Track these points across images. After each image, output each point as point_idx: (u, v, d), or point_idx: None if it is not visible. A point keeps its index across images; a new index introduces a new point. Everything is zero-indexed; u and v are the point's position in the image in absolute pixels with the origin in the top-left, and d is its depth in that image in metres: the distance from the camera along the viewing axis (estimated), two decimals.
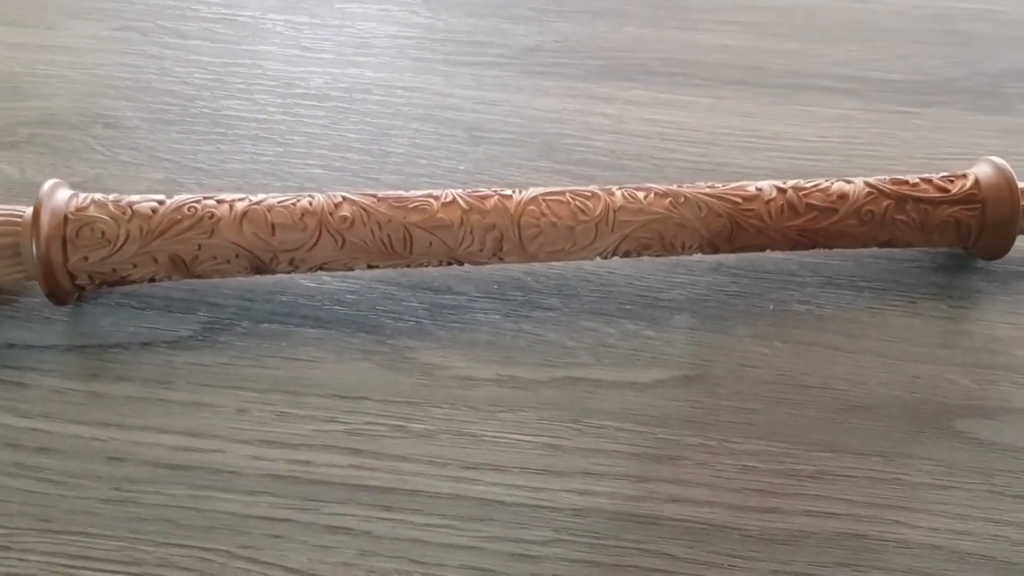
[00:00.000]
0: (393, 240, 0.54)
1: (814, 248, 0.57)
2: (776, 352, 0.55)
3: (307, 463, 0.50)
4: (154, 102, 0.69)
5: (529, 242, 0.55)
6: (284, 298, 0.57)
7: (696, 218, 0.55)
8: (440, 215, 0.55)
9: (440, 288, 0.58)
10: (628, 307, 0.57)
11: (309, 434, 0.51)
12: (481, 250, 0.55)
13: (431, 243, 0.55)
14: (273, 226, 0.54)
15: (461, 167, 0.65)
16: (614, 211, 0.55)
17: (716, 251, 0.57)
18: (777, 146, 0.67)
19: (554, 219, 0.55)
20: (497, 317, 0.57)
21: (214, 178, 0.64)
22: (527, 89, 0.71)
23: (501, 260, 0.56)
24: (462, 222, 0.55)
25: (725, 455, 0.51)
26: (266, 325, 0.56)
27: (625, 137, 0.68)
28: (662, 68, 0.73)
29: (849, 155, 0.67)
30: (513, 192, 0.56)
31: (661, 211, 0.55)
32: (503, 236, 0.55)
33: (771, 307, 0.58)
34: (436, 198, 0.55)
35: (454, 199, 0.55)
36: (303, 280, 0.58)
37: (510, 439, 0.51)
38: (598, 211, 0.55)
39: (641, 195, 0.56)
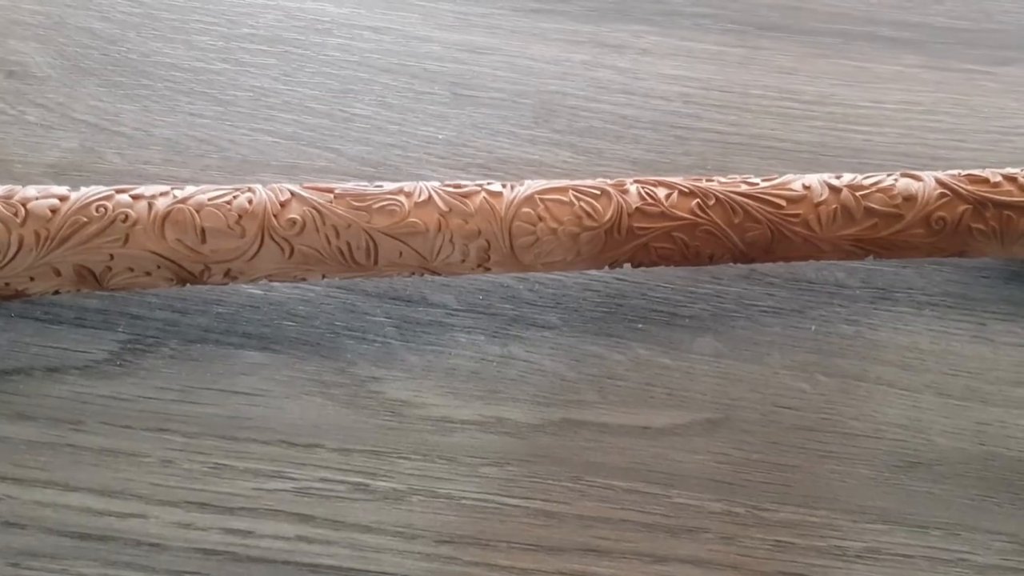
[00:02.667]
0: (353, 249, 0.44)
1: (868, 257, 0.47)
2: (818, 388, 0.46)
3: (246, 534, 0.42)
4: (69, 44, 0.58)
5: (523, 252, 0.45)
6: (221, 310, 0.48)
7: (729, 224, 0.46)
8: (413, 219, 0.44)
9: (413, 298, 0.49)
10: (640, 326, 0.48)
11: (249, 494, 0.43)
12: (463, 261, 0.45)
13: (401, 253, 0.45)
14: (203, 231, 0.44)
15: (441, 136, 0.55)
16: (628, 215, 0.45)
17: (750, 262, 0.47)
18: (822, 113, 0.57)
19: (554, 224, 0.45)
20: (482, 338, 0.47)
21: (139, 147, 0.53)
22: (522, 32, 0.60)
23: (487, 271, 0.46)
24: (440, 227, 0.45)
25: (756, 526, 0.42)
26: (199, 346, 0.47)
27: (639, 99, 0.57)
28: (685, 7, 0.62)
29: (908, 127, 0.56)
30: (504, 188, 0.46)
31: (686, 216, 0.45)
32: (490, 245, 0.45)
33: (813, 328, 0.48)
34: (408, 195, 0.45)
35: (430, 197, 0.45)
36: (246, 286, 0.48)
37: (495, 503, 0.43)
38: (608, 215, 0.45)
39: (662, 193, 0.46)
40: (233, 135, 0.54)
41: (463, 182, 0.46)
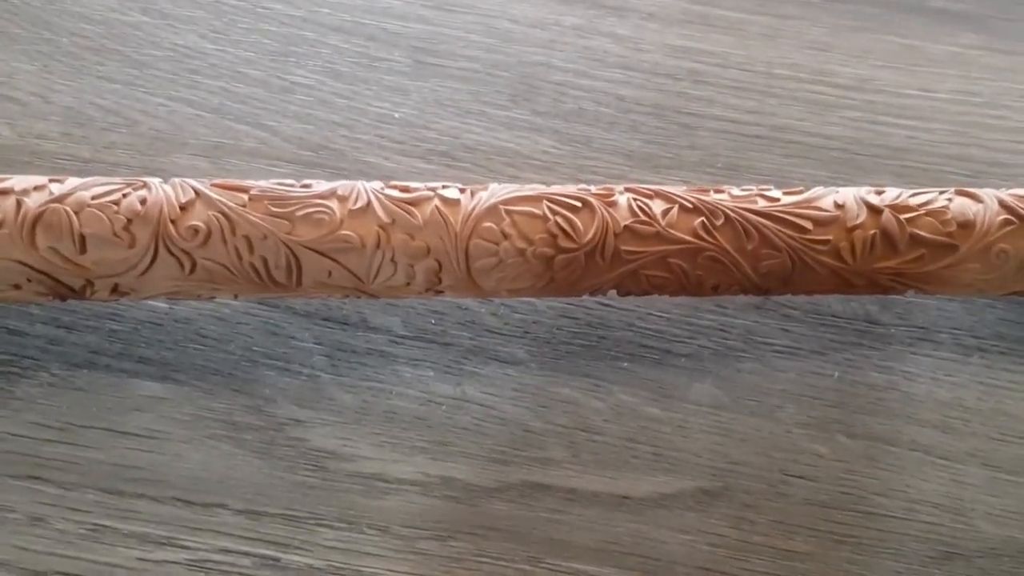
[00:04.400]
0: (270, 266, 0.36)
1: (908, 292, 0.39)
2: (839, 453, 0.39)
3: None
4: None
5: (482, 276, 0.37)
6: (116, 327, 0.40)
7: (740, 251, 0.37)
8: (346, 231, 0.36)
9: (350, 320, 0.41)
10: (625, 365, 0.40)
11: (132, 565, 0.35)
12: (408, 284, 0.37)
13: (330, 272, 0.37)
14: (82, 238, 0.36)
15: (397, 114, 0.46)
16: (615, 235, 0.37)
17: (765, 295, 0.39)
18: (859, 102, 0.48)
19: (522, 244, 0.37)
20: (431, 373, 0.40)
21: (34, 117, 0.45)
22: None
23: (439, 295, 0.38)
24: (379, 243, 0.36)
25: None
26: (85, 372, 0.39)
27: (641, 76, 0.48)
28: None
29: (963, 123, 0.47)
30: (461, 195, 0.37)
31: (687, 238, 0.37)
32: (442, 266, 0.37)
33: (836, 375, 0.40)
34: (342, 200, 0.37)
35: (369, 204, 0.37)
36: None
37: None
38: (590, 234, 0.37)
39: (658, 208, 0.38)
40: (147, 105, 0.46)
41: (412, 185, 0.38)
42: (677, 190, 0.38)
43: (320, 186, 0.38)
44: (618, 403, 0.39)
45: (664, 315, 0.41)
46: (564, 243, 0.37)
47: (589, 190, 0.38)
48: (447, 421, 0.39)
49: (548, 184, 0.43)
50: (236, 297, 0.39)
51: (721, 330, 0.41)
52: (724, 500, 0.38)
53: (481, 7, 0.50)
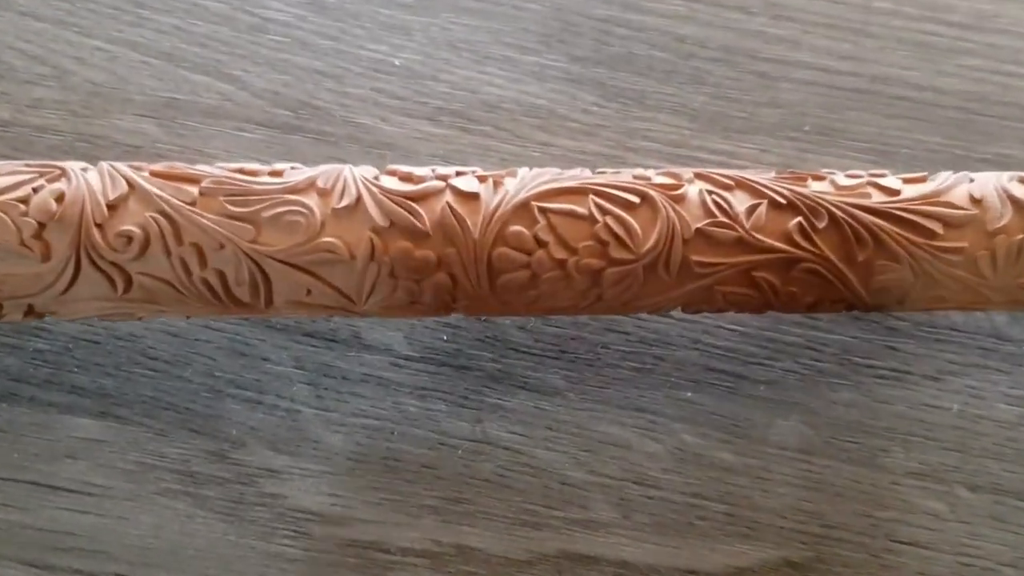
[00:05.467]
0: (230, 283, 0.28)
1: None
2: (959, 511, 0.31)
3: None
4: None
5: (509, 294, 0.29)
6: (41, 345, 0.32)
7: (848, 260, 0.29)
8: (329, 238, 0.28)
9: (340, 336, 0.33)
10: (689, 395, 0.32)
11: None
12: (412, 303, 0.29)
13: (309, 290, 0.29)
14: None
15: (398, 61, 0.37)
16: (684, 242, 0.29)
17: (876, 312, 0.31)
18: (980, 45, 0.38)
19: (562, 253, 0.29)
20: (442, 407, 0.32)
21: None
22: None
23: (452, 312, 0.30)
24: (373, 253, 0.28)
25: None
26: (3, 407, 0.31)
27: (707, 10, 0.39)
28: None
29: None
30: (482, 186, 0.29)
31: (780, 245, 0.29)
32: (456, 282, 0.29)
33: (955, 408, 0.32)
34: (323, 194, 0.29)
35: (359, 200, 0.29)
36: None
37: None
38: (652, 240, 0.29)
39: (741, 205, 0.29)
40: (81, 50, 0.37)
41: (416, 172, 0.29)
42: (764, 178, 0.30)
43: (295, 174, 0.29)
44: (680, 446, 0.31)
45: (738, 328, 0.33)
46: (617, 252, 0.28)
47: (649, 180, 0.30)
48: (463, 471, 0.31)
49: (589, 158, 0.35)
50: (188, 318, 0.30)
51: (811, 348, 0.33)
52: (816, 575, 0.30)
53: None
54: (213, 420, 0.31)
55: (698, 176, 0.30)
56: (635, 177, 0.30)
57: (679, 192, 0.29)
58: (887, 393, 0.32)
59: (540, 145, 0.36)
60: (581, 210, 0.29)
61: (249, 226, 0.28)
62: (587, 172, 0.30)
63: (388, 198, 0.28)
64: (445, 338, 0.33)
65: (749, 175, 0.30)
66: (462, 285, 0.29)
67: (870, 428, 0.32)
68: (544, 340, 0.33)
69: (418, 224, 0.28)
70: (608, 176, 0.30)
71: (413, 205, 0.28)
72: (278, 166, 0.30)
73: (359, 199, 0.28)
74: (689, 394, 0.32)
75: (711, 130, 0.37)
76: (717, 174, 0.30)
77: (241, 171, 0.29)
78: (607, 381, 0.32)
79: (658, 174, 0.30)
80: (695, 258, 0.29)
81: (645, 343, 0.33)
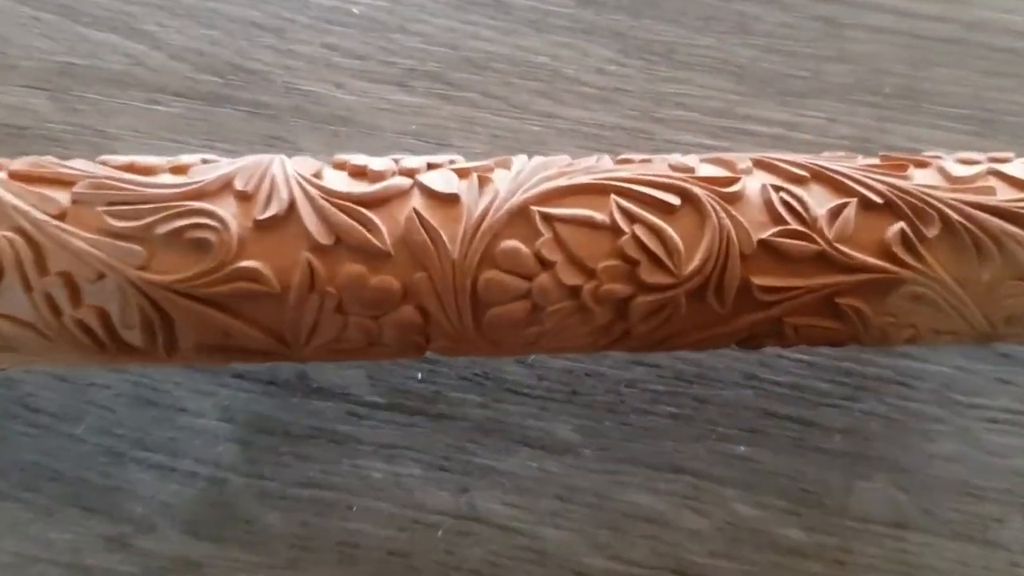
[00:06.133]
0: (116, 324, 0.21)
1: None
2: None
3: None
4: None
5: (501, 332, 0.22)
6: None
7: (967, 281, 0.22)
8: (249, 262, 0.21)
9: (279, 376, 0.25)
10: (742, 451, 0.25)
11: None
12: (369, 345, 0.22)
13: (227, 332, 0.21)
14: None
15: (357, 8, 0.29)
16: (743, 258, 0.21)
17: (996, 342, 0.23)
18: None
19: (575, 278, 0.21)
20: (416, 471, 0.25)
21: None
22: None
23: (423, 354, 0.23)
24: (312, 282, 0.21)
25: None
26: None
27: None
28: None
29: None
30: (462, 182, 0.21)
31: (876, 262, 0.21)
32: (428, 318, 0.21)
33: None
34: (243, 199, 0.21)
35: (292, 206, 0.21)
36: None
37: None
38: (698, 258, 0.21)
39: (820, 203, 0.21)
40: None
41: (373, 165, 0.22)
42: (850, 166, 0.22)
43: (204, 172, 0.21)
44: (732, 520, 0.24)
45: (804, 358, 0.26)
46: (650, 275, 0.21)
47: (692, 171, 0.22)
48: (445, 558, 0.24)
49: (606, 133, 0.27)
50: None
51: (900, 383, 0.26)
52: None
53: None
54: (112, 494, 0.24)
55: (759, 165, 0.23)
56: (672, 168, 0.22)
57: (734, 188, 0.22)
58: (1001, 443, 0.25)
59: (542, 117, 0.28)
60: (600, 217, 0.21)
61: (138, 247, 0.20)
62: (606, 161, 0.23)
63: (333, 204, 0.21)
64: (420, 377, 0.25)
65: (829, 162, 0.22)
66: (437, 321, 0.21)
67: (979, 491, 0.25)
68: (550, 378, 0.25)
69: (374, 240, 0.21)
70: (636, 167, 0.22)
71: (367, 213, 0.21)
72: (183, 160, 0.22)
73: (292, 206, 0.21)
74: (742, 448, 0.25)
75: (763, 94, 0.29)
76: (785, 161, 0.22)
77: (131, 168, 0.22)
78: (633, 433, 0.25)
79: (703, 161, 0.23)
80: (758, 281, 0.21)
81: (682, 380, 0.25)
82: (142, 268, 0.21)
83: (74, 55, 0.29)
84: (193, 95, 0.28)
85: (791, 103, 0.29)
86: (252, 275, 0.21)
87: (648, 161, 0.23)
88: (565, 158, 0.23)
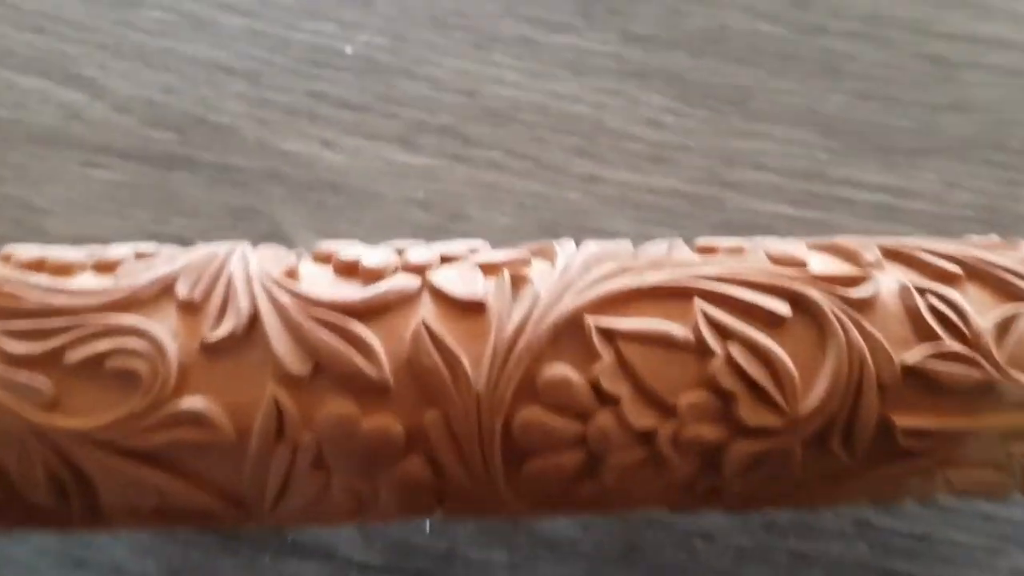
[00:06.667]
0: (17, 482, 0.15)
1: None
2: None
3: None
4: None
5: (544, 489, 0.16)
6: None
7: None
8: (195, 400, 0.15)
9: (293, 540, 0.20)
10: None
11: None
12: (362, 508, 0.16)
13: (163, 492, 0.15)
14: None
15: (350, 48, 0.24)
16: (881, 390, 0.15)
17: None
18: None
19: (646, 419, 0.15)
20: None
21: None
22: None
23: (434, 515, 0.17)
24: (281, 428, 0.15)
25: None
26: None
27: None
28: None
29: None
30: (488, 285, 0.15)
31: None
32: (442, 473, 0.16)
33: None
34: (188, 311, 0.15)
35: (254, 319, 0.15)
36: None
37: None
38: (818, 393, 0.16)
39: (982, 314, 0.16)
40: None
41: (367, 256, 0.16)
42: (1015, 258, 0.16)
43: (136, 272, 0.16)
44: None
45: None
46: (752, 414, 0.16)
47: (803, 265, 0.16)
48: None
49: (664, 201, 0.22)
50: None
51: None
52: None
53: None
54: None
55: (891, 256, 0.17)
56: (774, 261, 0.17)
57: (864, 291, 0.16)
58: None
59: (581, 181, 0.23)
60: (681, 332, 0.16)
61: (43, 380, 0.15)
62: (682, 249, 0.17)
63: (312, 317, 0.15)
64: (428, 529, 0.20)
65: (985, 251, 0.17)
66: (453, 477, 0.16)
67: None
68: (599, 529, 0.20)
69: (368, 367, 0.15)
70: (724, 260, 0.17)
71: (359, 329, 0.15)
72: (112, 254, 0.17)
73: (255, 320, 0.15)
74: None
75: (860, 151, 0.23)
76: (928, 251, 0.17)
77: (41, 266, 0.16)
78: None
79: (814, 249, 0.17)
80: (903, 422, 0.16)
81: (775, 531, 0.20)
82: (48, 409, 0.15)
83: (5, 103, 0.23)
84: (142, 156, 0.23)
85: (897, 162, 0.23)
86: (197, 418, 0.15)
87: (739, 251, 0.17)
88: (625, 245, 0.17)
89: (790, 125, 0.24)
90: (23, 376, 0.16)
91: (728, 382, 0.16)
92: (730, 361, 0.16)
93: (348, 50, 0.25)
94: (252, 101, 0.24)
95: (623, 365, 0.16)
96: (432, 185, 0.23)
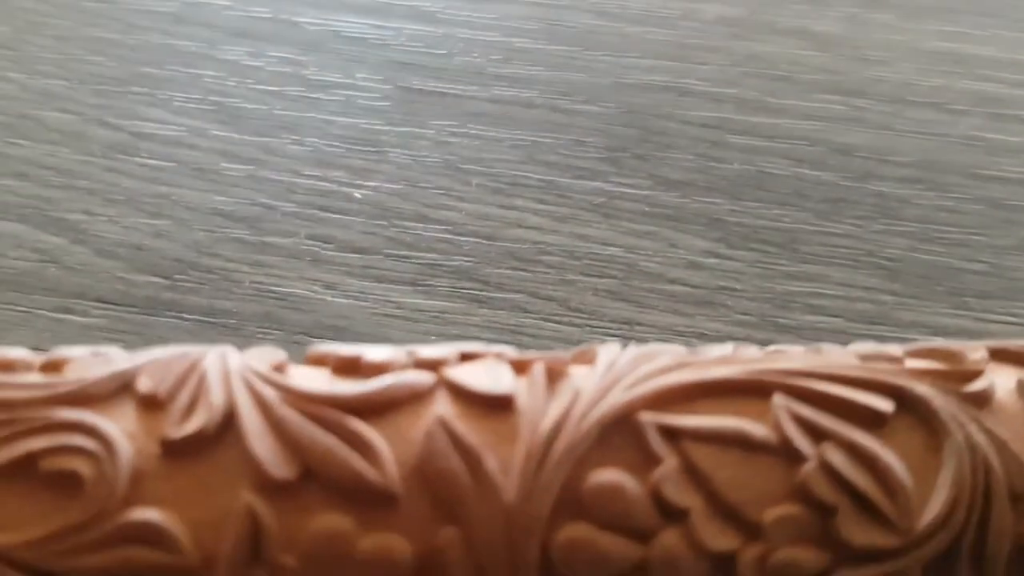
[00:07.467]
0: None
1: None
2: None
3: None
4: None
5: None
6: None
7: None
8: (151, 512, 0.12)
9: None
10: None
11: None
12: None
13: None
14: None
15: (359, 193, 0.22)
16: (1015, 500, 0.12)
17: None
18: None
19: (725, 540, 0.12)
20: None
21: None
22: None
23: None
24: (258, 548, 0.12)
25: None
26: None
27: (877, 106, 0.24)
28: None
29: None
30: (518, 383, 0.13)
31: None
32: None
33: None
34: (150, 407, 0.12)
35: (230, 416, 0.12)
36: None
37: None
38: (936, 507, 0.13)
39: None
40: None
41: (370, 352, 0.13)
42: None
43: (89, 367, 0.13)
44: None
45: None
46: (857, 532, 0.12)
47: (897, 360, 0.14)
48: None
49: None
50: None
51: None
52: None
53: None
54: None
55: (1001, 356, 0.14)
56: (864, 359, 0.14)
57: (978, 385, 0.13)
58: None
59: (617, 324, 0.21)
60: (760, 431, 0.13)
61: None
62: (749, 347, 0.14)
63: (300, 411, 0.13)
64: None
65: None
66: None
67: None
68: None
69: (370, 471, 0.12)
70: (804, 356, 0.14)
71: (359, 427, 0.12)
72: (63, 353, 0.14)
73: (231, 416, 0.13)
74: None
75: (930, 294, 0.21)
76: None
77: None
78: None
79: (910, 355, 0.14)
80: None
81: None
82: None
83: None
84: (124, 301, 0.21)
85: (971, 305, 0.21)
86: (152, 534, 0.12)
87: (817, 350, 0.14)
88: (678, 349, 0.15)
89: (847, 268, 0.22)
90: (52, 491, 0.12)
91: (825, 492, 0.13)
92: (825, 466, 0.13)
93: (357, 195, 0.23)
94: (249, 245, 0.22)
95: (691, 471, 0.13)
96: (447, 329, 0.21)
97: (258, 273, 0.22)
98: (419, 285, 0.22)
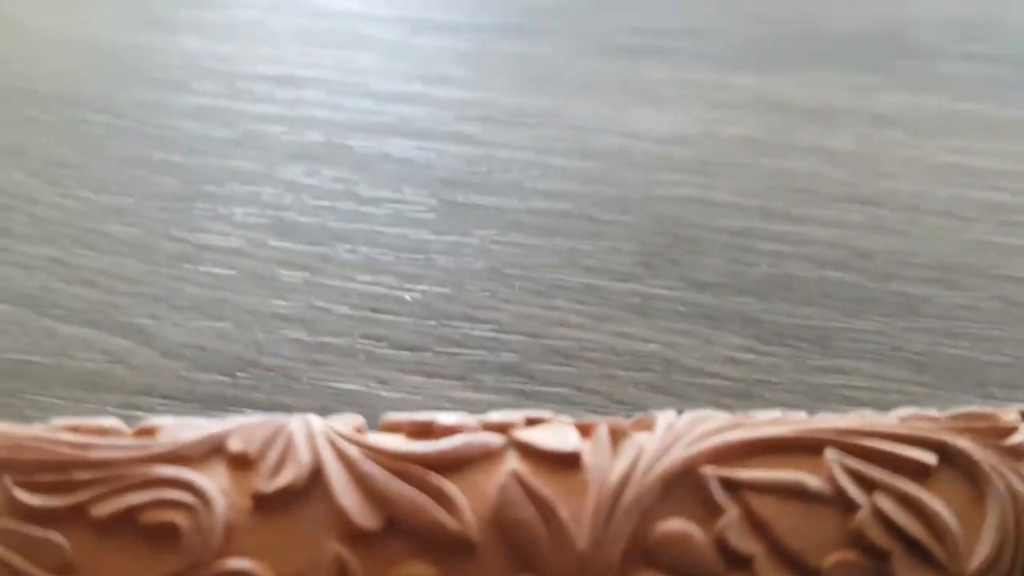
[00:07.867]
0: None
1: None
2: None
3: None
4: None
5: None
6: None
7: None
8: (240, 561, 0.12)
9: None
10: None
11: None
12: None
13: None
14: None
15: (409, 296, 0.24)
16: None
17: None
18: None
19: None
20: None
21: None
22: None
23: None
24: None
25: None
26: None
27: (894, 215, 0.26)
28: None
29: None
30: (584, 444, 0.14)
31: None
32: None
33: None
34: (241, 465, 0.14)
35: (317, 471, 0.14)
36: None
37: None
38: (985, 549, 0.13)
39: None
40: None
41: (443, 418, 0.14)
42: None
43: (181, 432, 0.14)
44: None
45: None
46: (912, 574, 0.13)
47: (934, 420, 0.14)
48: None
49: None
50: None
51: None
52: None
53: (565, 113, 0.28)
54: None
55: None
56: (904, 420, 0.15)
57: (1016, 440, 0.14)
58: None
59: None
60: (815, 483, 0.13)
61: (58, 539, 0.13)
62: (797, 412, 0.15)
63: (383, 465, 0.13)
64: None
65: None
66: None
67: None
68: None
69: (450, 521, 0.13)
70: (851, 417, 0.15)
71: (436, 480, 0.13)
72: (155, 422, 0.15)
73: (318, 472, 0.13)
74: None
75: (958, 386, 0.22)
76: None
77: (74, 429, 0.14)
78: None
79: (946, 417, 0.15)
80: None
81: None
82: (61, 573, 0.13)
83: (34, 352, 0.23)
84: (188, 397, 0.22)
85: (996, 394, 0.22)
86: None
87: (860, 414, 0.15)
88: (725, 416, 0.15)
89: (878, 362, 0.23)
90: (35, 532, 0.13)
91: (879, 538, 0.13)
92: (878, 513, 0.14)
93: (407, 297, 0.24)
94: (307, 345, 0.23)
95: (753, 520, 0.14)
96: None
97: (315, 370, 0.23)
98: (468, 379, 0.23)
